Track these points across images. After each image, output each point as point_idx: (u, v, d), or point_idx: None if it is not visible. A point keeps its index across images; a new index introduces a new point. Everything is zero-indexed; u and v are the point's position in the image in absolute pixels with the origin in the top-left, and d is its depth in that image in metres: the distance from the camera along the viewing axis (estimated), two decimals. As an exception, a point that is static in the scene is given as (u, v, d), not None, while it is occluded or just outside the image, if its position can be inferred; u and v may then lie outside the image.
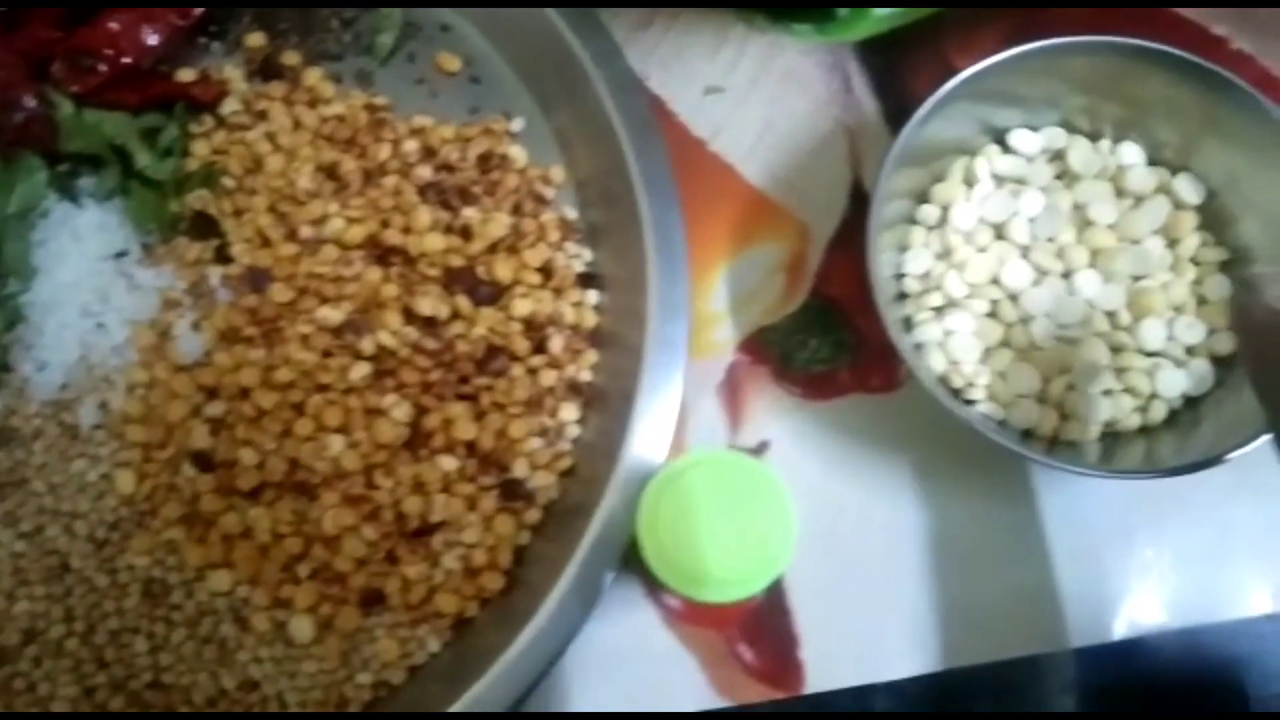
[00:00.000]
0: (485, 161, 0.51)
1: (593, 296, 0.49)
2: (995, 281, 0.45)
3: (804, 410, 0.48)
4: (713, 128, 0.52)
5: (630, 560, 0.43)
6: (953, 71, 0.50)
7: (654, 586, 0.46)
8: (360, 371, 0.46)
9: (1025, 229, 0.46)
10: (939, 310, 0.45)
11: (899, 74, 0.52)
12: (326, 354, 0.47)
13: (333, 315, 0.47)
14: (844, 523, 0.46)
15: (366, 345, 0.47)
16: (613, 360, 0.48)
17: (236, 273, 0.49)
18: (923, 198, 0.47)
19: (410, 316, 0.48)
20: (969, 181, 0.47)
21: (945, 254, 0.46)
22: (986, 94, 0.45)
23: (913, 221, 0.47)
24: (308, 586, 0.45)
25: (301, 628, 0.45)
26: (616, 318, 0.49)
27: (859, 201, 0.50)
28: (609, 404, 0.48)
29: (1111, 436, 0.45)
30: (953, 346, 0.45)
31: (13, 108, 0.50)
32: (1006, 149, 0.47)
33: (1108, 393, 0.44)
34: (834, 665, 0.45)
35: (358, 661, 0.46)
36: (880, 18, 0.53)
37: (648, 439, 0.45)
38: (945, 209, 0.46)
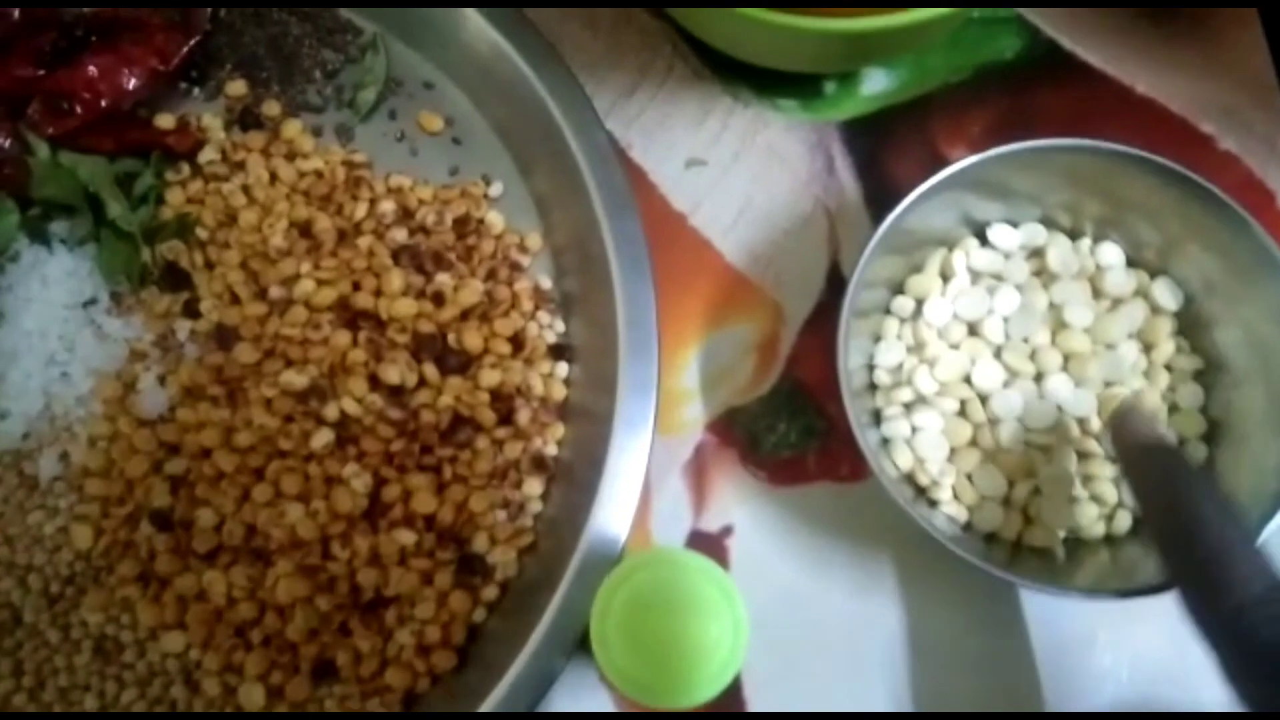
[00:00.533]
0: (462, 225, 0.51)
1: (563, 369, 0.49)
2: (966, 380, 0.45)
3: (769, 495, 0.48)
4: (693, 201, 0.52)
5: (586, 643, 0.44)
6: (938, 157, 0.51)
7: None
8: (322, 439, 0.46)
9: (999, 327, 0.46)
10: (908, 406, 0.45)
11: (883, 157, 0.52)
12: (289, 419, 0.47)
13: (297, 380, 0.47)
14: (805, 615, 0.47)
15: (330, 412, 0.47)
16: (580, 434, 0.49)
17: (205, 329, 0.49)
18: (899, 288, 0.47)
19: (376, 383, 0.48)
20: (945, 275, 0.47)
21: (918, 348, 0.46)
22: (970, 184, 0.46)
23: (887, 311, 0.47)
24: (259, 653, 0.46)
25: (252, 695, 0.45)
26: (586, 391, 0.49)
27: (835, 285, 0.51)
28: (574, 479, 0.48)
29: (1075, 543, 0.45)
30: (920, 443, 0.45)
31: (-14, 147, 0.50)
32: (985, 243, 0.48)
33: (1073, 500, 0.44)
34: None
35: (306, 731, 0.46)
36: (867, 97, 0.53)
37: (610, 518, 0.45)
38: (920, 302, 0.47)
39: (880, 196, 0.51)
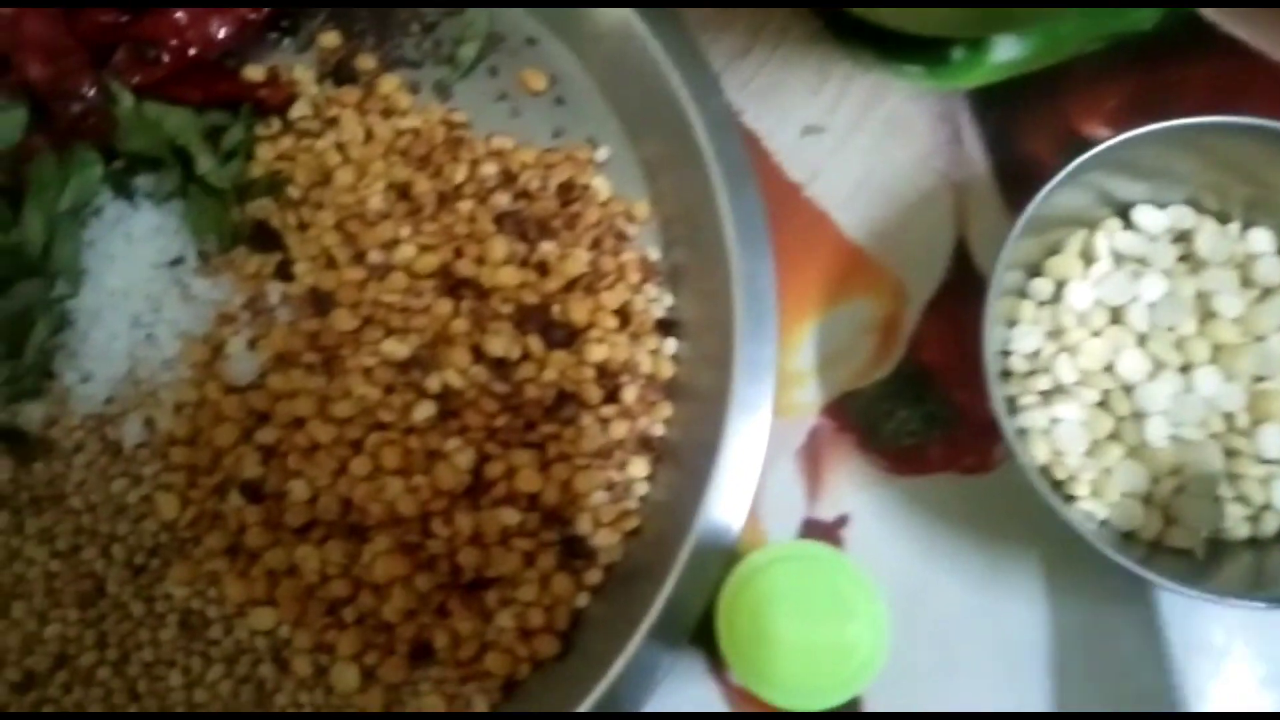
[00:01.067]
0: (566, 191, 0.49)
1: (671, 345, 0.48)
2: (1109, 370, 0.43)
3: (889, 485, 0.46)
4: (809, 171, 0.50)
5: (697, 635, 0.42)
6: (1071, 132, 0.49)
7: (717, 662, 0.45)
8: (424, 412, 0.45)
9: (1144, 315, 0.44)
10: (1046, 395, 0.43)
11: (1013, 130, 0.50)
12: (389, 389, 0.45)
13: (398, 349, 0.45)
14: (927, 611, 0.45)
15: (432, 384, 0.45)
16: (687, 415, 0.47)
17: (298, 292, 0.47)
18: (1035, 270, 0.45)
19: (478, 355, 0.46)
20: (1087, 258, 0.45)
21: (1056, 334, 0.44)
22: (1111, 164, 0.43)
23: (1022, 295, 0.45)
24: (353, 632, 0.44)
25: (345, 676, 0.44)
26: (694, 369, 0.47)
27: (962, 263, 0.48)
28: (681, 462, 0.46)
29: (1216, 545, 0.43)
30: (1058, 436, 0.43)
31: (70, 97, 0.49)
32: (1128, 224, 0.45)
33: (1218, 500, 0.42)
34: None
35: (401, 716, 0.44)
36: (997, 65, 0.51)
37: (724, 505, 0.43)
38: (1059, 285, 0.44)
39: (1011, 172, 0.49)
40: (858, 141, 0.50)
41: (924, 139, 0.50)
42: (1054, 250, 0.46)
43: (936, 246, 0.49)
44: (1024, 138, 0.50)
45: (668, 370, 0.47)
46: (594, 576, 0.45)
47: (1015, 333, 0.44)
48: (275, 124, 0.50)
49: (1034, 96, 0.50)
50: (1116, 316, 0.44)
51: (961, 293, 0.48)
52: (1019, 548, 0.46)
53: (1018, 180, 0.48)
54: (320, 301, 0.46)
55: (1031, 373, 0.44)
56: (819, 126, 0.50)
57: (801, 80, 0.51)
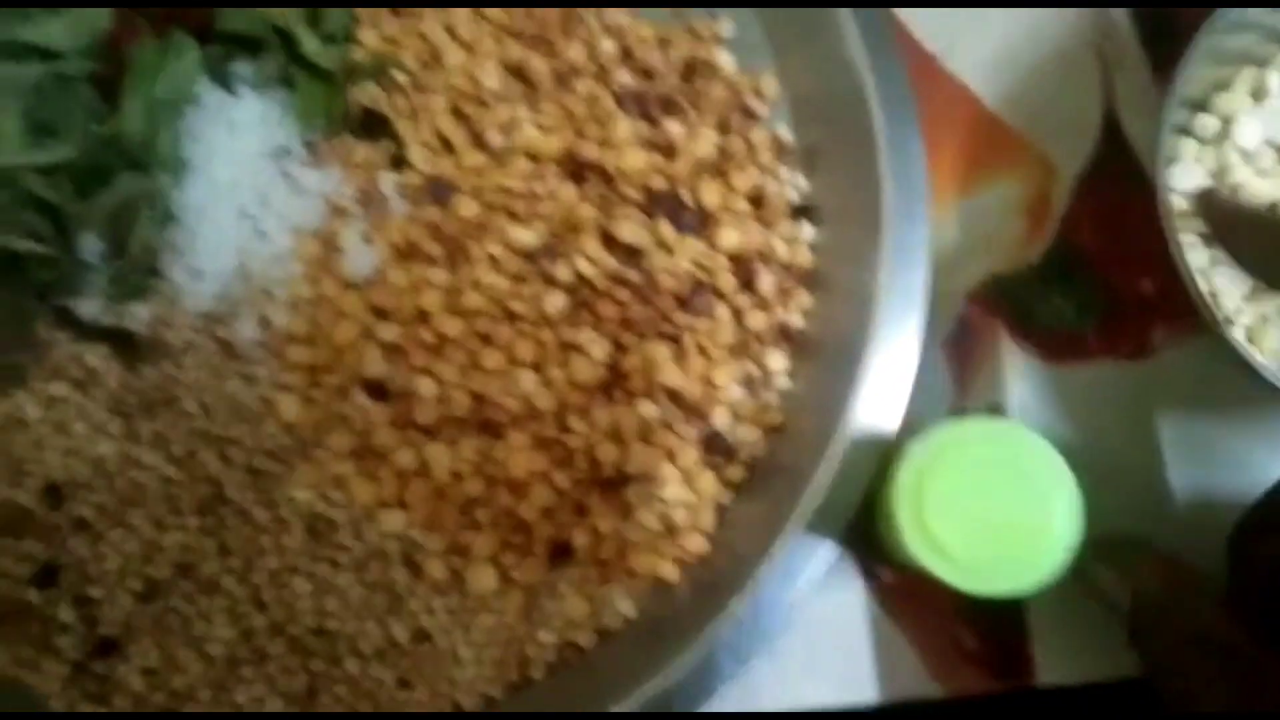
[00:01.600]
0: (689, 69, 0.47)
1: (808, 231, 0.45)
2: (1277, 210, 0.41)
3: (1043, 374, 0.45)
4: (946, 41, 0.47)
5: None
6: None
7: (868, 559, 0.43)
8: (556, 302, 0.43)
9: None
10: (1206, 237, 0.41)
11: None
12: (518, 279, 0.43)
13: (526, 236, 0.43)
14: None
15: (562, 273, 0.43)
16: (827, 306, 0.45)
17: (415, 181, 0.45)
18: (1199, 105, 0.43)
19: (608, 243, 0.44)
20: (1257, 95, 0.42)
21: (1220, 173, 0.42)
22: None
23: (1185, 132, 0.43)
24: (489, 533, 0.43)
25: (482, 577, 0.43)
26: (832, 258, 0.45)
27: (1112, 137, 0.46)
28: (821, 355, 0.44)
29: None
30: (1216, 278, 0.41)
31: (163, -21, 0.46)
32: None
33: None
34: (1068, 660, 0.42)
35: (540, 619, 0.43)
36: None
37: (877, 402, 0.42)
38: (1226, 122, 0.42)
39: (1159, 37, 0.46)
40: (997, 10, 0.47)
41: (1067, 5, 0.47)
42: (1221, 87, 0.43)
43: (1084, 119, 0.47)
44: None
45: (805, 257, 0.45)
46: (737, 473, 0.44)
47: (1175, 170, 0.42)
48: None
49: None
50: None
51: (1114, 167, 0.46)
52: (1181, 434, 0.44)
53: (1168, 46, 0.46)
54: (440, 190, 0.44)
55: (1193, 214, 0.42)
56: (955, -8, 0.48)
57: (935, -54, 0.48)
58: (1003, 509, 0.36)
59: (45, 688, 0.44)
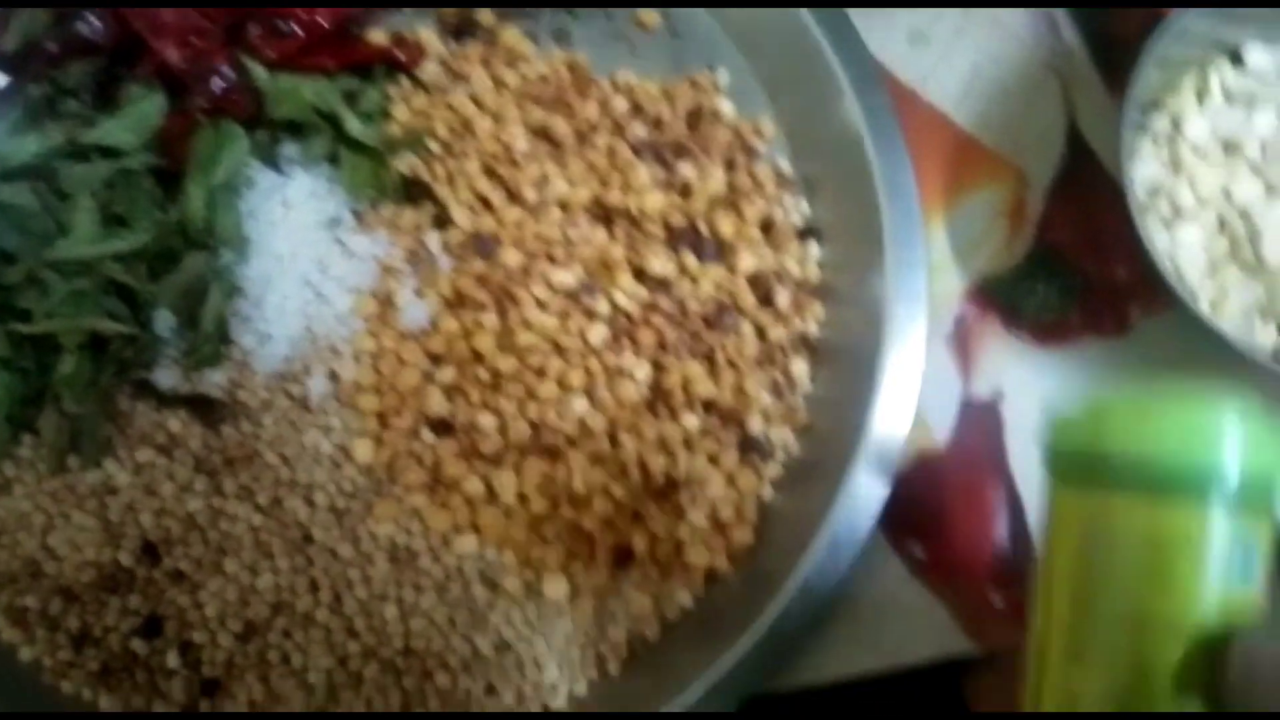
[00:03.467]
0: (694, 117, 0.54)
1: (814, 249, 0.53)
2: (1226, 195, 0.49)
3: (1035, 357, 0.52)
4: (920, 76, 0.55)
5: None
6: (1159, 14, 0.54)
7: (899, 538, 0.50)
8: (599, 333, 0.50)
9: (1258, 146, 0.50)
10: (1166, 221, 0.49)
11: (1106, 16, 0.55)
12: (563, 316, 0.50)
13: (566, 277, 0.50)
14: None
15: (602, 306, 0.50)
16: (837, 315, 0.52)
17: (459, 239, 0.52)
18: (1152, 107, 0.51)
19: (639, 276, 0.51)
20: (1201, 95, 0.50)
21: (1174, 166, 0.49)
22: (1216, 15, 0.49)
23: (1141, 129, 0.50)
24: (556, 546, 0.49)
25: (554, 587, 0.49)
26: (837, 271, 0.52)
27: (1076, 146, 0.54)
28: (838, 359, 0.51)
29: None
30: (1179, 258, 0.48)
31: (210, 75, 0.53)
32: (1239, 62, 0.51)
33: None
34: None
35: (609, 618, 0.49)
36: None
37: (894, 395, 0.48)
38: (1176, 121, 0.50)
39: (1108, 56, 0.54)
40: (962, 45, 0.56)
41: (1024, 36, 0.56)
42: (1171, 89, 0.51)
43: (1050, 133, 0.54)
44: (1117, 23, 0.55)
45: (814, 273, 0.52)
46: (774, 470, 0.50)
47: (1134, 165, 0.50)
48: (405, 84, 0.54)
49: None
50: (1231, 148, 0.50)
51: (1080, 172, 0.53)
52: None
53: (1116, 61, 0.54)
54: (483, 244, 0.51)
55: (1152, 202, 0.49)
56: (924, 34, 0.55)
57: (901, -8, 0.56)
58: None
59: (157, 731, 0.49)
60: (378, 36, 0.55)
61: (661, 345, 0.50)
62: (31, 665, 0.50)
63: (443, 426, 0.50)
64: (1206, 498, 0.26)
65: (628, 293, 0.50)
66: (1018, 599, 0.50)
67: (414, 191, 0.53)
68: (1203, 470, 0.26)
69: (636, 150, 0.53)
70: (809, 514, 0.49)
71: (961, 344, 0.52)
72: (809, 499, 0.49)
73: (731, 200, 0.53)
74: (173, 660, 0.49)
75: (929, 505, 0.51)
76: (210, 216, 0.52)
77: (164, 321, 0.51)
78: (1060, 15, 0.56)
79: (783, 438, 0.51)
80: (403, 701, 0.49)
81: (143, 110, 0.52)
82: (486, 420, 0.50)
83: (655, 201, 0.52)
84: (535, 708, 0.49)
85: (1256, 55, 0.51)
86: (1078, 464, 0.27)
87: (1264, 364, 0.46)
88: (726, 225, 0.52)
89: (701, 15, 0.56)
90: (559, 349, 0.50)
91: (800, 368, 0.51)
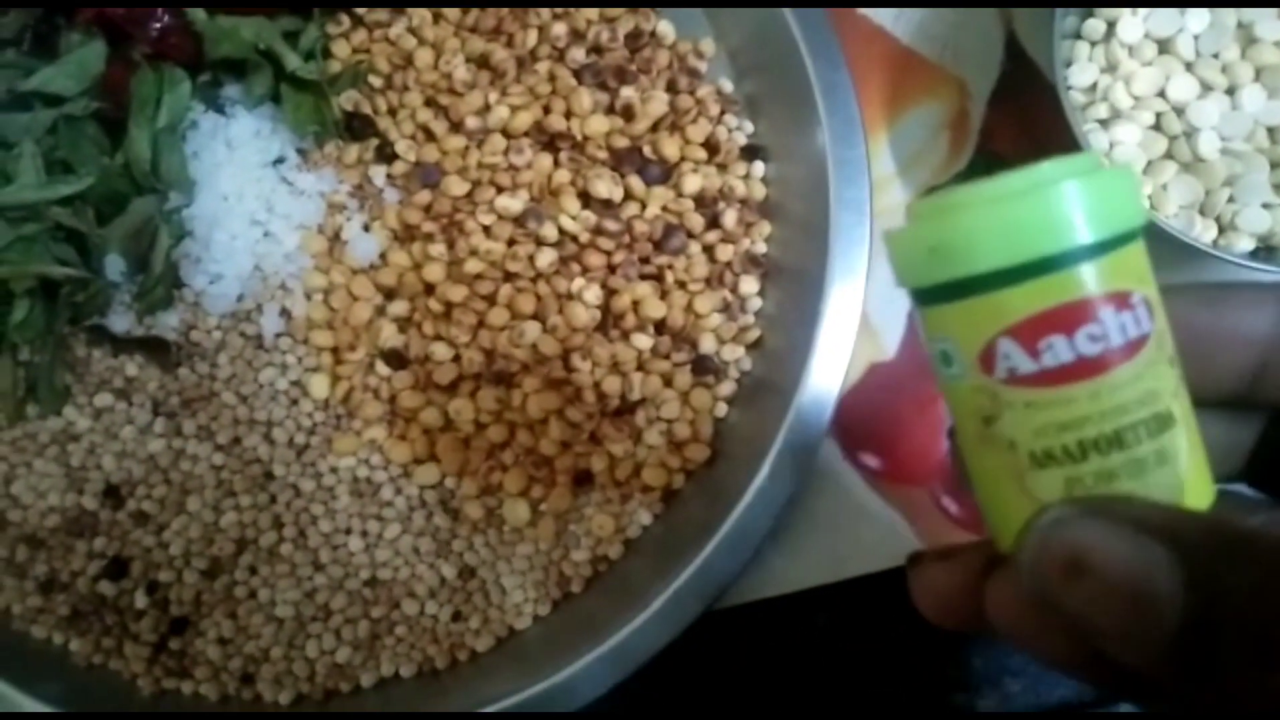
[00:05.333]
0: (634, 40, 0.55)
1: (759, 168, 0.54)
2: (1161, 95, 0.51)
3: (982, 264, 0.53)
4: (857, -8, 0.56)
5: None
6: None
7: (853, 449, 0.52)
8: (547, 258, 0.51)
9: (1190, 45, 0.51)
10: (1104, 122, 0.51)
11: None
12: (510, 243, 0.52)
13: (513, 204, 0.52)
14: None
15: (549, 231, 0.52)
16: (786, 232, 0.54)
17: (402, 170, 0.53)
18: (1086, 13, 0.52)
19: (585, 201, 0.52)
20: None
21: (1110, 68, 0.51)
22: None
23: (1077, 36, 0.52)
24: (516, 471, 0.51)
25: (517, 511, 0.51)
26: (783, 189, 0.54)
27: (1015, 55, 0.56)
28: (786, 275, 0.53)
29: (1267, 251, 0.51)
30: (1118, 157, 0.51)
31: (147, 20, 0.54)
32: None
33: (1266, 206, 0.50)
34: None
35: (571, 540, 0.51)
36: None
37: (841, 308, 0.50)
38: (1110, 24, 0.52)
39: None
40: (899, -44, 0.57)
41: (962, -57, 0.57)
42: None
43: (990, 42, 0.56)
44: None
45: (760, 191, 0.54)
46: (727, 388, 0.52)
47: (1073, 70, 0.52)
48: (345, 21, 0.56)
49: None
50: (1164, 48, 0.52)
51: (1019, 81, 0.55)
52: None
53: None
54: (428, 174, 0.53)
55: (1090, 104, 0.51)
56: (860, -52, 0.57)
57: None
58: None
59: (129, 670, 0.51)
60: (314, -27, 0.56)
61: (610, 268, 0.52)
62: (1, 613, 0.51)
63: (397, 359, 0.52)
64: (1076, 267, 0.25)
65: (574, 217, 0.52)
66: (971, 505, 0.52)
67: (357, 127, 0.55)
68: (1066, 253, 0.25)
69: (578, 75, 0.54)
70: (763, 429, 0.51)
71: (908, 255, 0.54)
72: (763, 414, 0.51)
73: (675, 122, 0.54)
74: (141, 600, 0.51)
75: (881, 416, 0.53)
76: (155, 160, 0.53)
77: (114, 266, 0.52)
78: (996, -76, 0.57)
79: (735, 355, 0.53)
80: (371, 630, 0.51)
81: (83, 57, 0.53)
82: (440, 350, 0.51)
83: (598, 125, 0.53)
84: (501, 631, 0.51)
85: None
86: (938, 292, 0.26)
87: (1207, 251, 0.48)
88: (670, 147, 0.53)
89: (636, -63, 0.57)
90: (508, 276, 0.52)
91: (750, 286, 0.53)
